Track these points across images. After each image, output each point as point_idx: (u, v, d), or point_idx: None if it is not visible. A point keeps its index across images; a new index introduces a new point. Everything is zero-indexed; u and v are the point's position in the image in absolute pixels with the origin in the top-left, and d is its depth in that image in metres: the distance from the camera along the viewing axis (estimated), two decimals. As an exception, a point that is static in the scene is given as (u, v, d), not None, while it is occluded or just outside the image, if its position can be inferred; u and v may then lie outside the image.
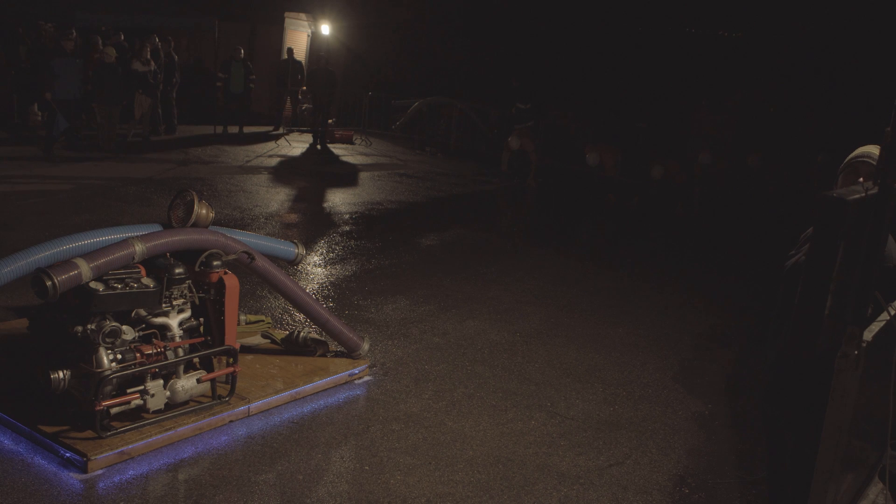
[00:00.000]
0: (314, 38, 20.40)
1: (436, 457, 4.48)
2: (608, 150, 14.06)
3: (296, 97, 18.52)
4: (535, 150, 14.70)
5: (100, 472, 3.96)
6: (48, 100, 12.72)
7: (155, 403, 4.30)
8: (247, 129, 16.85)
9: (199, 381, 4.50)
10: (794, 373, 3.47)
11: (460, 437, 4.75)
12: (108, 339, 4.13)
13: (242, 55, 16.49)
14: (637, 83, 17.75)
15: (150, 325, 4.45)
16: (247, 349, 5.45)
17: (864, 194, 2.50)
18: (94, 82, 12.98)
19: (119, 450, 4.06)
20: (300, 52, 19.78)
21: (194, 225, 4.83)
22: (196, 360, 4.61)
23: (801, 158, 14.02)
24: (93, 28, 14.95)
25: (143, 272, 4.45)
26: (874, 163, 3.17)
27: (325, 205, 11.50)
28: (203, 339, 4.68)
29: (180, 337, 4.54)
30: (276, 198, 11.38)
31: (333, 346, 5.59)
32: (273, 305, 6.68)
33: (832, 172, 3.81)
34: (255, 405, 4.76)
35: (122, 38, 15.56)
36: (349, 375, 5.37)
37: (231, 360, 4.67)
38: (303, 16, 20.24)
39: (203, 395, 4.59)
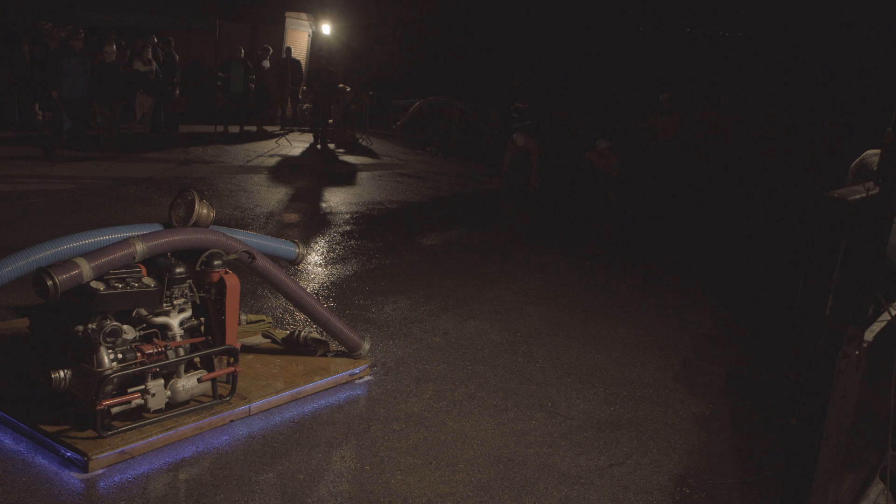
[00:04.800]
0: (315, 37, 20.42)
1: (436, 457, 4.49)
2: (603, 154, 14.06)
3: (296, 97, 18.53)
4: (537, 149, 14.70)
5: (101, 471, 3.96)
6: (54, 98, 12.76)
7: (156, 403, 4.30)
8: (247, 129, 16.87)
9: (199, 380, 4.50)
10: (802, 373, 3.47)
11: (461, 436, 4.75)
12: (108, 339, 4.13)
13: (242, 55, 16.50)
14: (638, 83, 17.75)
15: (151, 325, 4.45)
16: (247, 349, 5.45)
17: (864, 194, 2.50)
18: (94, 82, 13.00)
19: (120, 449, 4.06)
20: (300, 52, 19.79)
21: (195, 224, 4.83)
22: (197, 359, 4.61)
23: (803, 159, 14.03)
24: (95, 27, 14.96)
25: (144, 272, 4.45)
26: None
27: (326, 204, 11.50)
28: (204, 338, 4.68)
29: (181, 336, 4.54)
30: (277, 197, 11.38)
31: (334, 345, 5.59)
32: (274, 305, 6.69)
33: (833, 178, 3.85)
34: (256, 405, 4.76)
35: (116, 39, 15.58)
36: (350, 375, 5.37)
37: (232, 359, 4.67)
38: (304, 15, 20.26)
39: (204, 395, 4.59)
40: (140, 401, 4.24)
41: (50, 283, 4.01)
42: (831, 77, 16.07)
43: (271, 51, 17.98)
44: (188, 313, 4.63)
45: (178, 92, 16.04)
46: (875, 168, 3.19)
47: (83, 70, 12.78)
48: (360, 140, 17.53)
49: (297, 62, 18.41)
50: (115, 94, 13.28)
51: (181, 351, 4.49)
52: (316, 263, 8.19)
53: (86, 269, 4.14)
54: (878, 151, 3.64)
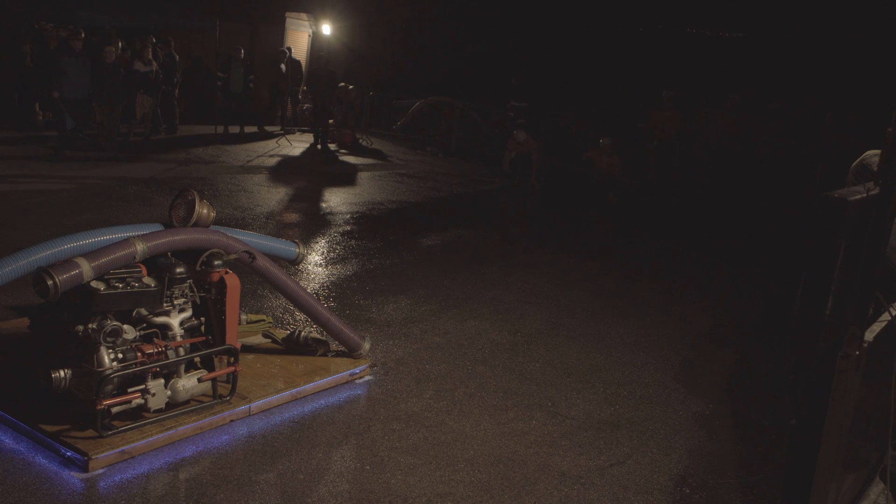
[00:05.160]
0: (315, 37, 20.42)
1: (436, 456, 4.49)
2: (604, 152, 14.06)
3: (296, 97, 18.54)
4: (537, 148, 14.68)
5: (101, 471, 3.96)
6: (56, 99, 12.75)
7: (156, 403, 4.30)
8: (247, 129, 16.87)
9: (200, 380, 4.50)
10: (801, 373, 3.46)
11: (461, 436, 4.76)
12: (109, 339, 4.13)
13: (242, 55, 16.51)
14: (638, 83, 17.75)
15: (151, 325, 4.45)
16: (248, 348, 5.45)
17: (865, 195, 2.50)
18: (94, 82, 12.99)
19: (120, 449, 4.06)
20: (300, 53, 19.80)
21: (195, 224, 4.83)
22: (197, 359, 4.61)
23: (804, 158, 14.03)
24: (96, 28, 14.96)
25: (145, 271, 4.45)
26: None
27: (326, 204, 11.50)
28: (204, 338, 4.68)
29: (181, 336, 4.54)
30: (277, 197, 11.39)
31: (334, 345, 5.59)
32: (274, 305, 6.69)
33: (836, 177, 3.84)
34: (256, 404, 4.77)
35: (118, 41, 15.58)
36: (350, 375, 5.37)
37: (232, 359, 4.67)
38: (304, 16, 20.26)
39: (204, 395, 4.60)
40: (140, 400, 4.24)
41: (50, 282, 4.01)
42: (833, 76, 16.07)
43: (288, 54, 17.96)
44: (188, 313, 4.63)
45: (177, 92, 16.02)
46: (875, 168, 3.19)
47: (83, 70, 12.77)
48: (361, 140, 17.54)
49: (297, 62, 18.42)
50: (115, 94, 13.27)
51: (181, 351, 4.49)
52: (316, 263, 8.19)
53: (86, 268, 4.14)
54: (878, 152, 3.64)
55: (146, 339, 4.41)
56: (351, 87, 17.89)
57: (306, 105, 18.50)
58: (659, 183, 15.14)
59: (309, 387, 5.08)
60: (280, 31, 19.86)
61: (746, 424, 5.40)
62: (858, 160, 3.89)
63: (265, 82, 18.09)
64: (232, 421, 4.61)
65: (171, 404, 4.42)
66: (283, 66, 17.50)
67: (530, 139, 14.54)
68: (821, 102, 14.70)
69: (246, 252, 4.89)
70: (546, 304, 7.56)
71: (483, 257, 9.20)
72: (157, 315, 4.48)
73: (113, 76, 13.13)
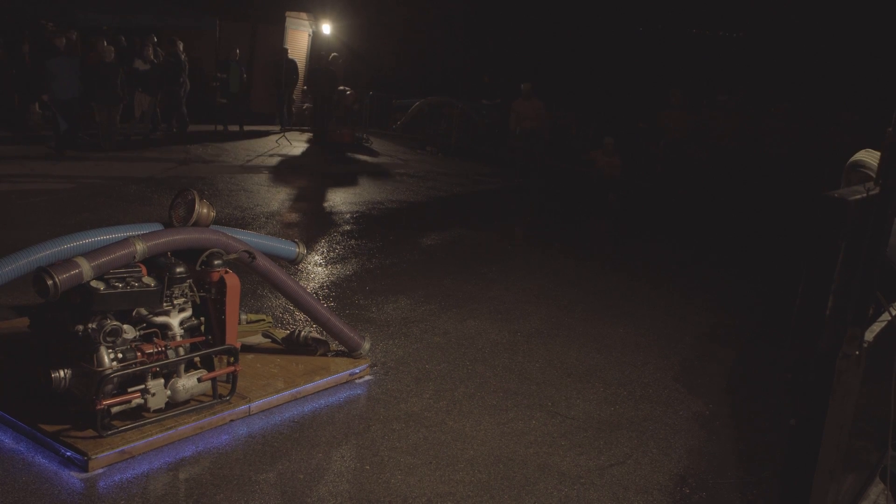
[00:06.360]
0: (315, 37, 20.42)
1: (436, 456, 4.49)
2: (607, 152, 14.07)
3: (291, 97, 18.57)
4: (540, 150, 14.65)
5: (101, 471, 3.96)
6: (46, 101, 12.69)
7: (156, 402, 4.30)
8: (247, 128, 16.89)
9: (199, 380, 4.50)
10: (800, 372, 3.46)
11: (461, 436, 4.76)
12: (108, 338, 4.13)
13: (238, 56, 16.61)
14: (638, 83, 17.76)
15: (151, 324, 4.45)
16: (248, 348, 5.45)
17: (865, 194, 2.50)
18: (91, 81, 12.94)
19: (120, 449, 4.06)
20: (300, 52, 19.82)
21: (195, 224, 4.83)
22: (197, 359, 4.61)
23: (808, 158, 14.02)
24: (94, 28, 14.96)
25: (144, 271, 4.45)
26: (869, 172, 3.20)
27: (326, 204, 11.50)
28: (204, 338, 4.68)
29: (181, 336, 4.54)
30: (277, 197, 11.39)
31: (334, 345, 5.59)
32: (274, 305, 6.69)
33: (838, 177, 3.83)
34: (256, 404, 4.77)
35: (123, 39, 15.60)
36: (350, 375, 5.37)
37: (232, 359, 4.67)
38: (304, 15, 20.26)
39: (204, 394, 4.60)
40: (140, 400, 4.24)
41: (50, 282, 4.01)
42: (835, 76, 16.07)
43: (339, 57, 17.92)
44: (188, 313, 4.63)
45: (181, 92, 16.03)
46: (866, 169, 3.20)
47: (71, 69, 12.66)
48: (361, 140, 17.54)
49: (294, 63, 18.44)
50: (114, 95, 13.24)
51: (181, 350, 4.49)
52: (316, 263, 8.19)
53: (86, 268, 4.14)
54: (871, 150, 3.65)
55: (146, 338, 4.41)
56: (349, 92, 17.90)
57: (306, 105, 18.51)
58: (666, 183, 15.09)
59: (309, 386, 5.08)
60: (280, 31, 19.85)
61: (746, 424, 5.40)
62: (852, 160, 3.87)
63: (265, 81, 18.12)
64: (232, 421, 4.61)
65: (171, 404, 4.42)
66: (333, 69, 17.45)
67: (541, 109, 14.40)
68: (824, 102, 14.70)
69: (246, 252, 4.89)
70: (546, 304, 7.56)
71: (483, 257, 9.20)
72: (157, 315, 4.48)
73: (113, 76, 13.11)
